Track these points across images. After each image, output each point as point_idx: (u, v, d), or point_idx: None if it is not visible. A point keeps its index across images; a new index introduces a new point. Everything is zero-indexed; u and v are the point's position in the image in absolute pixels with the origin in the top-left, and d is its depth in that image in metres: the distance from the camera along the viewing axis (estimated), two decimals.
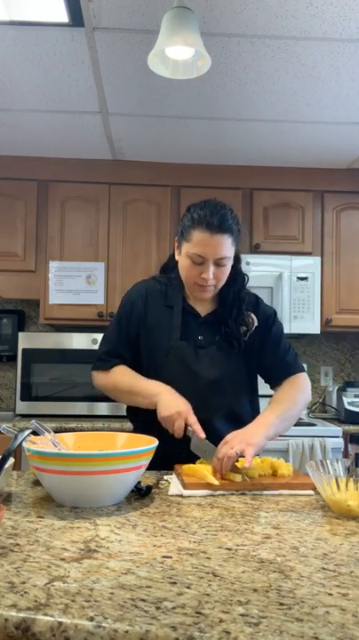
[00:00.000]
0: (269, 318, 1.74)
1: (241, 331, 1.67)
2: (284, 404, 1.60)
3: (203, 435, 1.46)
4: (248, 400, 1.72)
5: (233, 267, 1.68)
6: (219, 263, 1.59)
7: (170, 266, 1.76)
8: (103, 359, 1.71)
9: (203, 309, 1.72)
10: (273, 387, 1.72)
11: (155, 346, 1.68)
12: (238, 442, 1.39)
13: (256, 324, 1.69)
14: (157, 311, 1.71)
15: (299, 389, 1.67)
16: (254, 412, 1.71)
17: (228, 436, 1.43)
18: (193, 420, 1.48)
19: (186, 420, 1.48)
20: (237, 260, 1.71)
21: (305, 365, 3.55)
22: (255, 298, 1.76)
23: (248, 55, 2.22)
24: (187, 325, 1.68)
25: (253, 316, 1.70)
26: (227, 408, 1.64)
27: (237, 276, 1.71)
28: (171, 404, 1.51)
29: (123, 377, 1.67)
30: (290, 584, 0.78)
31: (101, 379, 1.72)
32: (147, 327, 1.70)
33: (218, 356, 1.66)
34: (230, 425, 1.52)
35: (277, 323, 1.76)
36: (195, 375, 1.63)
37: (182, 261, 1.64)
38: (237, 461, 1.40)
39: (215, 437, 1.45)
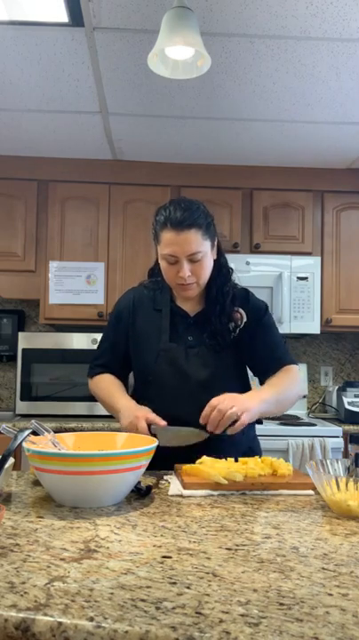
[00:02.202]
0: (259, 312, 1.72)
1: (228, 327, 1.65)
2: (279, 387, 1.60)
3: (163, 422, 1.48)
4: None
5: (216, 261, 1.67)
6: (192, 259, 1.57)
7: (156, 269, 1.76)
8: (91, 367, 1.81)
9: (191, 309, 1.71)
10: (263, 381, 1.69)
11: (146, 350, 1.69)
12: (238, 403, 1.41)
13: (245, 319, 1.68)
14: (146, 316, 1.72)
15: (291, 379, 1.66)
16: None
17: (222, 396, 1.44)
18: (152, 416, 1.51)
19: (146, 420, 1.49)
20: (219, 253, 1.69)
21: (305, 365, 3.63)
22: (245, 292, 1.74)
23: (248, 55, 2.22)
24: (177, 327, 1.68)
25: (242, 311, 1.68)
26: None
27: (220, 270, 1.69)
28: (129, 412, 1.55)
29: (101, 387, 1.75)
30: (290, 584, 0.78)
31: (89, 385, 1.81)
32: (136, 334, 1.72)
33: (207, 355, 1.65)
34: None
35: (268, 316, 1.73)
36: (184, 376, 1.63)
37: (161, 264, 1.65)
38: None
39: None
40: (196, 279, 1.61)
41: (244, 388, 1.73)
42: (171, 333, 1.67)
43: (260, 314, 1.72)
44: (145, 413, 1.52)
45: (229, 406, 1.40)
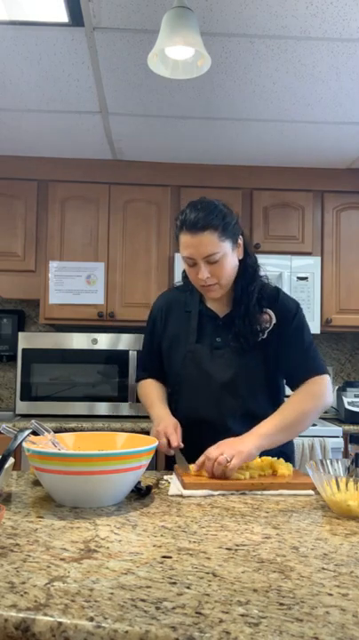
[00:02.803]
0: (289, 314, 1.66)
1: (253, 329, 1.61)
2: (288, 413, 1.53)
3: (175, 443, 1.51)
4: (266, 398, 1.65)
5: (241, 261, 1.64)
6: (209, 260, 1.56)
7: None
8: (137, 372, 1.89)
9: (221, 310, 1.69)
10: (292, 388, 1.63)
11: (175, 352, 1.70)
12: (229, 448, 1.38)
13: (274, 320, 1.63)
14: (178, 319, 1.73)
15: (310, 397, 1.58)
16: (275, 409, 1.58)
17: (221, 442, 1.42)
18: (170, 431, 1.53)
19: (165, 435, 1.52)
20: (246, 253, 1.66)
21: None
22: (276, 292, 1.69)
23: (248, 55, 2.22)
24: (205, 328, 1.68)
25: (271, 312, 1.64)
26: (242, 408, 1.61)
27: (246, 270, 1.65)
28: (156, 424, 1.60)
29: (141, 394, 1.81)
30: (290, 584, 0.78)
31: (137, 390, 1.87)
32: (168, 336, 1.74)
33: (231, 357, 1.63)
34: (246, 425, 1.49)
35: (297, 318, 1.67)
36: (208, 377, 1.63)
37: (184, 266, 1.65)
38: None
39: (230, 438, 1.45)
40: (217, 280, 1.58)
41: (272, 386, 1.67)
42: (199, 335, 1.67)
43: (289, 316, 1.66)
44: (164, 428, 1.54)
45: (219, 453, 1.37)
